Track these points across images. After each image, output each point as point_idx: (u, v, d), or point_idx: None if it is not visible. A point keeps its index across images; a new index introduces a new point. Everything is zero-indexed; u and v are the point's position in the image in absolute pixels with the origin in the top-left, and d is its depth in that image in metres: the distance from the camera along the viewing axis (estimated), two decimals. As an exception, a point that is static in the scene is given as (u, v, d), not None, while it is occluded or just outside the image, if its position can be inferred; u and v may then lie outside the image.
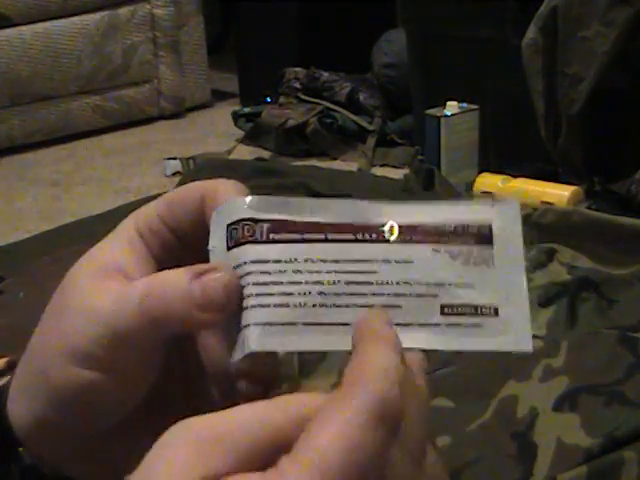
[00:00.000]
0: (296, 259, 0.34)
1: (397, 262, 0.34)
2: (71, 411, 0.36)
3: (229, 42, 3.20)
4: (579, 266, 1.17)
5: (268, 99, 2.40)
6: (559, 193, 1.59)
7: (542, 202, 1.54)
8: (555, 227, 1.26)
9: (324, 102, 2.27)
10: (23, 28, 2.42)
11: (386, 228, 0.34)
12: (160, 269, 0.37)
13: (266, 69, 2.56)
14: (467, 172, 1.81)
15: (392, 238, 0.34)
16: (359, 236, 0.34)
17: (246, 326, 0.34)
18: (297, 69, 2.38)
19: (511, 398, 0.89)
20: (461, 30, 1.93)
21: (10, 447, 0.38)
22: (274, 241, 0.34)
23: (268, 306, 0.34)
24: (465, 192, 1.76)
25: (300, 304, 0.33)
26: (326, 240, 0.34)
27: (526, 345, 0.34)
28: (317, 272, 0.34)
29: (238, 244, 0.34)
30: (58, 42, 2.48)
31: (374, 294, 0.33)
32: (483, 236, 0.34)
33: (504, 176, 1.69)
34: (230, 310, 0.34)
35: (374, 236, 0.34)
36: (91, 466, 0.38)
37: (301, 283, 0.34)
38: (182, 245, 0.38)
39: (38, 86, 2.46)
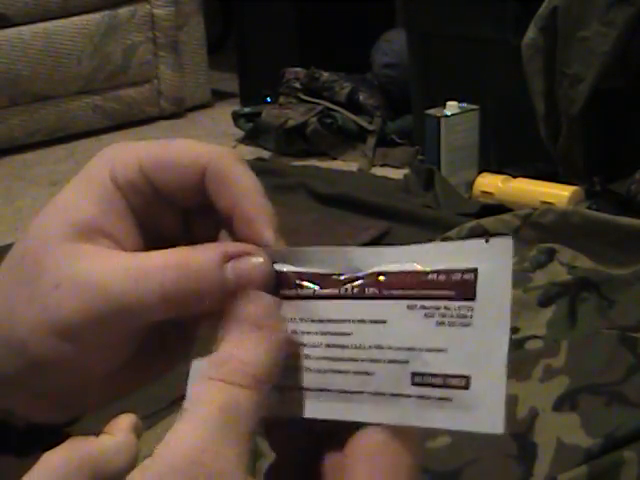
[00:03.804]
0: (292, 318, 0.33)
1: (371, 322, 0.31)
2: (45, 373, 0.34)
3: (229, 42, 3.19)
4: (579, 266, 1.17)
5: (268, 99, 2.39)
6: (559, 193, 1.59)
7: (542, 202, 1.54)
8: (555, 227, 1.26)
9: (324, 102, 2.26)
10: (23, 28, 2.42)
11: (368, 280, 0.32)
12: (140, 225, 0.35)
13: (266, 69, 2.56)
14: (467, 172, 1.81)
15: (370, 291, 0.32)
16: (342, 290, 0.32)
17: None
18: (297, 69, 2.38)
19: (511, 398, 0.89)
20: (461, 30, 1.93)
21: None
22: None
23: None
24: (465, 192, 1.76)
25: (286, 366, 0.33)
26: (314, 297, 0.33)
27: (497, 426, 0.30)
28: (307, 333, 0.33)
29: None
30: (58, 42, 2.47)
31: (350, 359, 0.32)
32: (466, 286, 0.30)
33: (504, 176, 1.69)
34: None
35: (355, 291, 0.32)
36: (59, 412, 0.37)
37: None
38: (165, 203, 0.36)
39: (38, 86, 2.46)
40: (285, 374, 0.32)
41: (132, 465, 0.34)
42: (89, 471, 0.33)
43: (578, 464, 0.79)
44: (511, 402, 0.89)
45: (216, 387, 0.30)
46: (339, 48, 2.58)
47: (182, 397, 0.34)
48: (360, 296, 0.32)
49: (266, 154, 2.23)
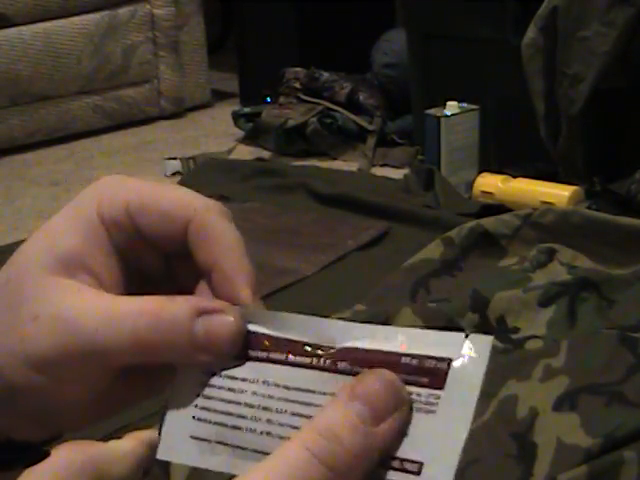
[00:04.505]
0: (257, 380, 0.33)
1: None
2: (21, 398, 0.34)
3: (229, 42, 3.20)
4: (579, 266, 1.17)
5: (268, 99, 2.40)
6: (559, 193, 1.59)
7: (542, 202, 1.54)
8: (555, 227, 1.26)
9: (324, 102, 2.26)
10: (23, 28, 2.42)
11: (341, 354, 0.32)
12: (122, 262, 0.36)
13: (266, 69, 2.56)
14: (467, 172, 1.81)
15: (342, 366, 0.32)
16: (314, 360, 0.33)
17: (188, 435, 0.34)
18: (297, 69, 2.38)
19: (511, 398, 0.89)
20: (461, 30, 1.93)
21: None
22: (245, 357, 0.34)
23: (211, 423, 0.34)
24: (465, 192, 1.76)
25: (251, 429, 0.33)
26: (285, 362, 0.33)
27: None
28: (269, 397, 0.33)
29: None
30: (58, 42, 2.47)
31: None
32: (437, 374, 0.31)
33: (504, 176, 1.69)
34: (232, 354, 0.33)
35: (327, 363, 0.33)
36: (38, 430, 0.37)
37: (253, 407, 0.33)
38: (148, 245, 0.36)
39: (38, 86, 2.46)
40: (247, 437, 0.33)
41: (135, 473, 0.34)
42: (92, 472, 0.33)
43: (578, 464, 0.79)
44: (511, 402, 0.89)
45: (304, 456, 0.29)
46: (339, 48, 2.58)
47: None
48: (331, 369, 0.32)
49: (266, 154, 2.23)
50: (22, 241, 0.36)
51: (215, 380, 0.34)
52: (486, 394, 0.91)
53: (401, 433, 0.31)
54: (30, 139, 2.46)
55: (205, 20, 2.78)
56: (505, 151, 1.88)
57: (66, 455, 0.34)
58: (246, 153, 2.24)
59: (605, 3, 1.54)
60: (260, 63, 2.68)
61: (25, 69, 2.42)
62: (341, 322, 0.33)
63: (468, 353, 0.31)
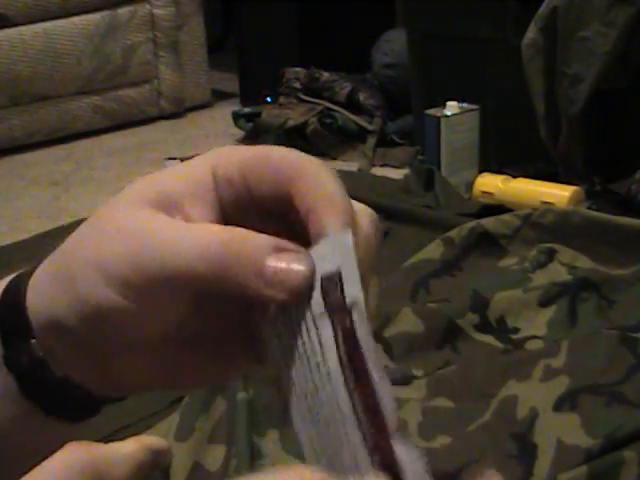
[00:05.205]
0: (317, 363, 0.32)
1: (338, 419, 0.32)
2: (92, 326, 0.35)
3: (229, 42, 3.19)
4: (579, 266, 1.17)
5: (268, 99, 2.39)
6: (559, 193, 1.59)
7: (542, 202, 1.54)
8: (555, 227, 1.26)
9: (324, 102, 2.26)
10: (23, 28, 2.42)
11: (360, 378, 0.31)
12: (224, 220, 0.36)
13: (266, 69, 2.56)
14: (467, 172, 1.81)
15: (347, 373, 0.31)
16: (344, 360, 0.31)
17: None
18: (297, 69, 2.38)
19: (511, 398, 0.89)
20: (461, 30, 1.93)
21: (24, 337, 0.36)
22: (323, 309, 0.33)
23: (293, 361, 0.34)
24: (465, 192, 1.76)
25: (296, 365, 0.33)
26: (341, 361, 0.31)
27: None
28: (316, 365, 0.32)
29: (324, 297, 0.33)
30: (58, 42, 2.47)
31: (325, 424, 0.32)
32: None
33: (504, 176, 1.69)
34: (294, 299, 0.33)
35: (348, 368, 0.31)
36: (99, 376, 0.37)
37: (301, 354, 0.33)
38: (255, 207, 0.36)
39: (38, 86, 2.46)
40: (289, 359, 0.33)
41: (135, 476, 0.35)
42: (92, 473, 0.33)
43: (578, 464, 0.79)
44: (511, 402, 0.89)
45: None
46: (339, 48, 2.58)
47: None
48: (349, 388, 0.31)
49: (266, 154, 2.22)
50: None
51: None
52: (486, 394, 0.91)
53: None
54: (30, 139, 2.46)
55: (205, 20, 2.78)
56: (505, 151, 1.88)
57: (67, 456, 0.34)
58: (246, 153, 2.24)
59: (605, 3, 1.54)
60: (260, 63, 2.68)
61: (25, 69, 2.42)
62: (386, 366, 0.32)
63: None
